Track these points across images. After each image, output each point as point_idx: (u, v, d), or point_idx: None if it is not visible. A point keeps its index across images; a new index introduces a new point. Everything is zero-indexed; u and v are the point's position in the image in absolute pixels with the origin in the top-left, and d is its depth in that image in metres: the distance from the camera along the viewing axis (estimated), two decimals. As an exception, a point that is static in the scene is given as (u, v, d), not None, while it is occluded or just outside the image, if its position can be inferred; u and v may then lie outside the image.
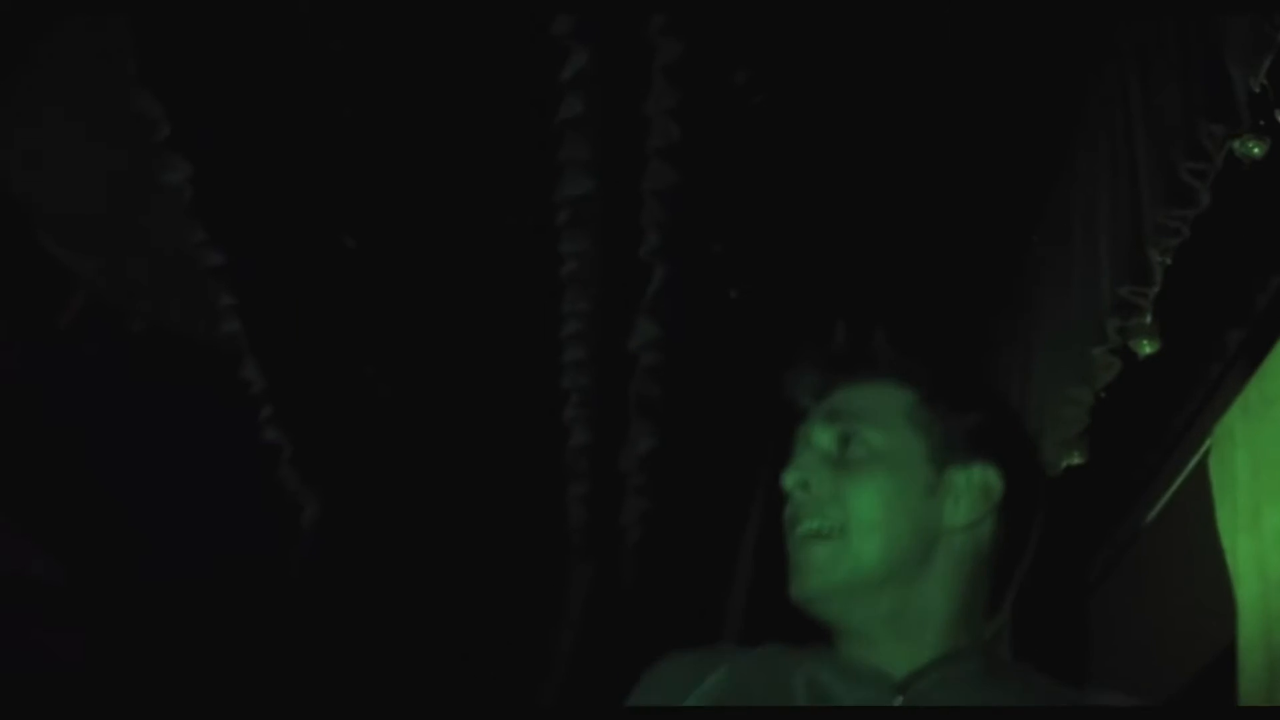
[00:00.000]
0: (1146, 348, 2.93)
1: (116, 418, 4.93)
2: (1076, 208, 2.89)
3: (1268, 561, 2.66)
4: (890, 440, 1.49)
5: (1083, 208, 2.83)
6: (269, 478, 4.82)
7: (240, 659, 4.92)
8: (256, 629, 5.03)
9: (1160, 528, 3.67)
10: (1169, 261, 2.63)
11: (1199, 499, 3.14)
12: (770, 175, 3.33)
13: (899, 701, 1.37)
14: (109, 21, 3.34)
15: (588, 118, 3.05)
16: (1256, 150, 2.58)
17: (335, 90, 3.39)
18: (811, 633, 1.50)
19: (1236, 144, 2.53)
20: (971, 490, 1.48)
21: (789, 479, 1.48)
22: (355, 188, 3.74)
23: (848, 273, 3.54)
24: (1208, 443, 3.18)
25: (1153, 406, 3.56)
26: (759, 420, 4.07)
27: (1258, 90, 2.44)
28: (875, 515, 1.45)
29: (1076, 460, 3.31)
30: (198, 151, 3.46)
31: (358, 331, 4.37)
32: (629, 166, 3.19)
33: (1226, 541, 2.86)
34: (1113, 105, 2.70)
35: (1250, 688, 2.60)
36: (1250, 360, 3.04)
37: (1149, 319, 2.79)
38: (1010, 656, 1.52)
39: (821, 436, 1.51)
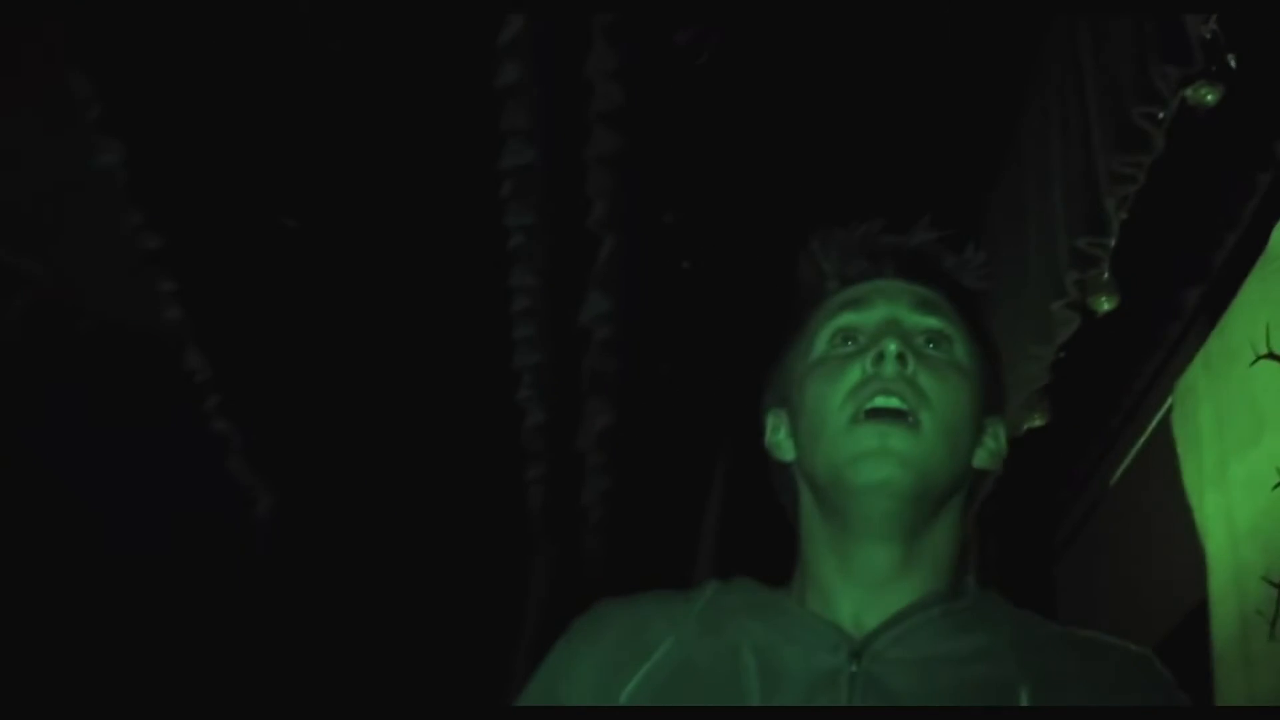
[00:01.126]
0: (1105, 304, 2.89)
1: (62, 416, 4.83)
2: (1030, 157, 2.84)
3: (1235, 513, 2.62)
4: (972, 362, 1.41)
5: (1036, 157, 2.78)
6: (219, 470, 4.73)
7: (199, 655, 4.85)
8: (215, 624, 4.95)
9: (1125, 488, 3.65)
10: (1125, 215, 2.59)
11: (1163, 457, 3.12)
12: (720, 138, 3.26)
13: (853, 668, 1.27)
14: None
15: (526, 84, 2.97)
16: (1210, 97, 2.54)
17: (270, 63, 3.30)
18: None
19: (1190, 91, 2.49)
20: (995, 443, 1.43)
21: (893, 345, 1.34)
22: (295, 165, 3.65)
23: (801, 238, 3.47)
24: (1169, 400, 3.15)
25: (1113, 366, 3.53)
26: (717, 392, 4.01)
27: (1209, 36, 2.39)
28: (954, 422, 1.35)
29: (1038, 421, 3.27)
30: (131, 132, 3.36)
31: (302, 315, 4.28)
32: (571, 133, 3.11)
33: (1193, 497, 2.83)
34: (1064, 48, 2.65)
35: (1223, 643, 2.56)
36: (1210, 316, 3.00)
37: (1107, 274, 2.75)
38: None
39: (913, 320, 1.40)
